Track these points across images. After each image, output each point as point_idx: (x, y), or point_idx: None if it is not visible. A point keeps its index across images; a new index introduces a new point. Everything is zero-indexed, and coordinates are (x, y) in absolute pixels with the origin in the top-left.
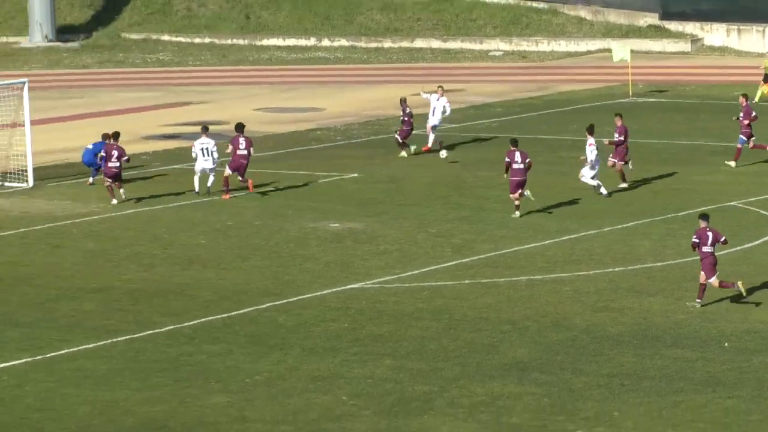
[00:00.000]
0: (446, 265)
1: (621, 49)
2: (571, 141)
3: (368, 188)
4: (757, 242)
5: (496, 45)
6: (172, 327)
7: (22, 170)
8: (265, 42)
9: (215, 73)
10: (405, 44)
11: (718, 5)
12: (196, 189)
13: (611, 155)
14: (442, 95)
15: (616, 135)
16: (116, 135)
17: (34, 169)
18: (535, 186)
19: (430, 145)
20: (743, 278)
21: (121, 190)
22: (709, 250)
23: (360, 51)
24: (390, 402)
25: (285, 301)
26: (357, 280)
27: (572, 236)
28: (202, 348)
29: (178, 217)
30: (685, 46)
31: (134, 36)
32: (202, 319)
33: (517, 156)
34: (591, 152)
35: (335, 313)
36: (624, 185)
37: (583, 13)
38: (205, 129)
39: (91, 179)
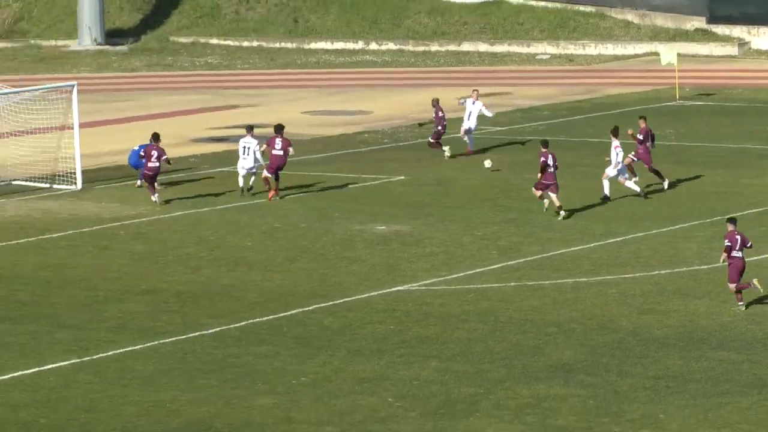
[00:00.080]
0: (492, 267)
1: (668, 53)
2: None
3: (415, 191)
4: None
5: (543, 48)
6: (219, 328)
7: (71, 173)
8: (313, 45)
9: (263, 77)
10: (452, 48)
11: (766, 9)
12: (241, 186)
13: (632, 153)
14: (477, 98)
15: (639, 136)
16: (156, 136)
17: (83, 172)
18: (581, 189)
19: (471, 148)
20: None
21: (156, 194)
22: (739, 255)
23: (407, 54)
24: (436, 404)
25: (331, 303)
26: (403, 282)
27: (618, 239)
28: (249, 349)
29: (225, 220)
30: (732, 50)
31: (183, 39)
32: (249, 321)
33: (551, 159)
34: (616, 155)
35: (381, 315)
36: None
37: (630, 16)
38: (249, 129)
39: (138, 182)
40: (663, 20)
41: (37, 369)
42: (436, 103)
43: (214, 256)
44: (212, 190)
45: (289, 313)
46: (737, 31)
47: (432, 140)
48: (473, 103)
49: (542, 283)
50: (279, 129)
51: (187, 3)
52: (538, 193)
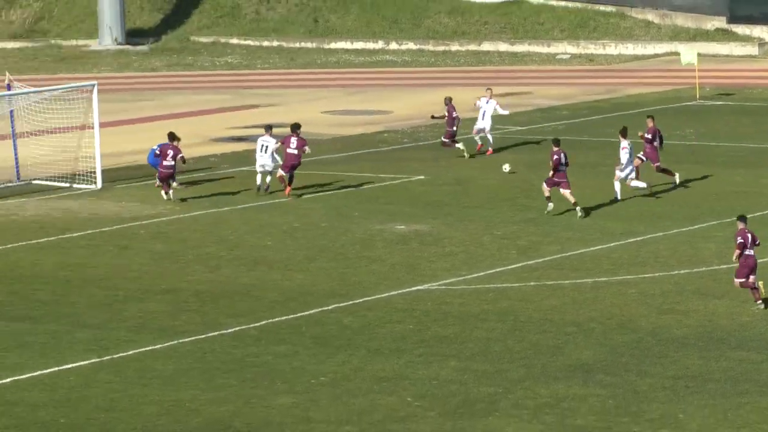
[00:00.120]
0: (512, 266)
1: (688, 53)
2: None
3: (434, 190)
4: None
5: (564, 48)
6: (238, 328)
7: (91, 172)
8: (333, 45)
9: (283, 76)
10: (472, 47)
11: None
12: (258, 184)
13: (641, 153)
14: (491, 97)
15: (647, 135)
16: (172, 135)
17: (103, 171)
18: (602, 189)
19: (485, 145)
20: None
21: (170, 192)
22: (751, 253)
23: (427, 54)
24: (455, 403)
25: (351, 302)
26: (423, 281)
27: (638, 238)
28: (268, 349)
29: (244, 219)
30: (752, 50)
31: (203, 39)
32: (268, 320)
33: (563, 157)
34: (624, 155)
35: (401, 315)
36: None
37: (651, 16)
38: (268, 128)
39: (158, 181)
40: (683, 20)
41: (57, 368)
42: (448, 101)
43: (234, 256)
44: (232, 190)
45: (308, 312)
46: (758, 31)
47: (445, 139)
48: (487, 102)
49: (562, 283)
50: (295, 128)
51: (208, 3)
52: (548, 191)
